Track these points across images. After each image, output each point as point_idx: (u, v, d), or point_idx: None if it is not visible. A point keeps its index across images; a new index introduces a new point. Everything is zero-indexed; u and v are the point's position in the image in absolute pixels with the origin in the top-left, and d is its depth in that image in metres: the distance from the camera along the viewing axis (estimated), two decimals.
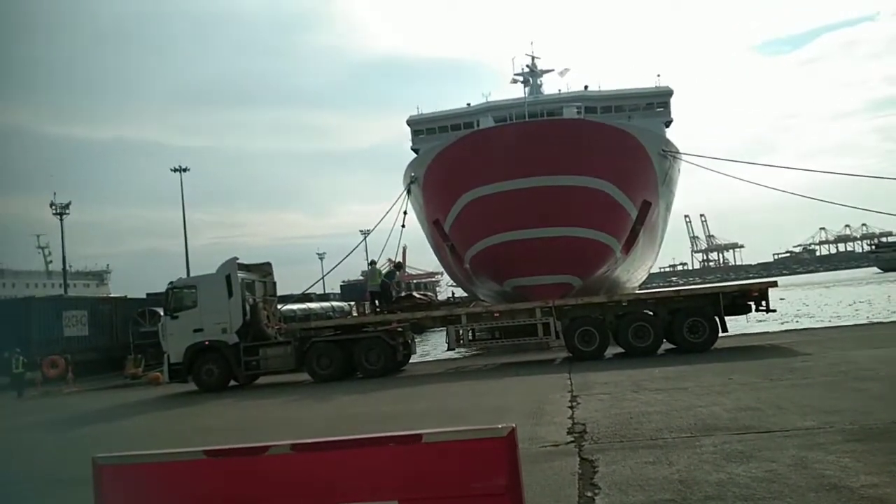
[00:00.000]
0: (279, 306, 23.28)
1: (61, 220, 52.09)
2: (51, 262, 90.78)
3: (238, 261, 18.99)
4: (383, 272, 23.97)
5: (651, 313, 17.19)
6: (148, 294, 34.67)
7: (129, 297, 36.56)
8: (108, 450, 2.77)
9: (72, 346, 27.28)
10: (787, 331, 20.95)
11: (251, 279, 19.43)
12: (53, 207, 52.34)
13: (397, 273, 24.96)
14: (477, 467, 1.65)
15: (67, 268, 58.64)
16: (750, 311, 17.61)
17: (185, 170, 51.95)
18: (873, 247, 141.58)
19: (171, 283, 19.22)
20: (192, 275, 28.82)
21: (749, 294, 17.43)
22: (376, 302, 22.01)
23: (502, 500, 1.53)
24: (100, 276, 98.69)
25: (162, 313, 19.80)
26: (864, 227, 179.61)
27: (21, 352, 22.60)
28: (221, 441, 2.43)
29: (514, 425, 1.69)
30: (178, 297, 18.84)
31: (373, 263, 24.09)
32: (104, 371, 27.98)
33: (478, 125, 35.19)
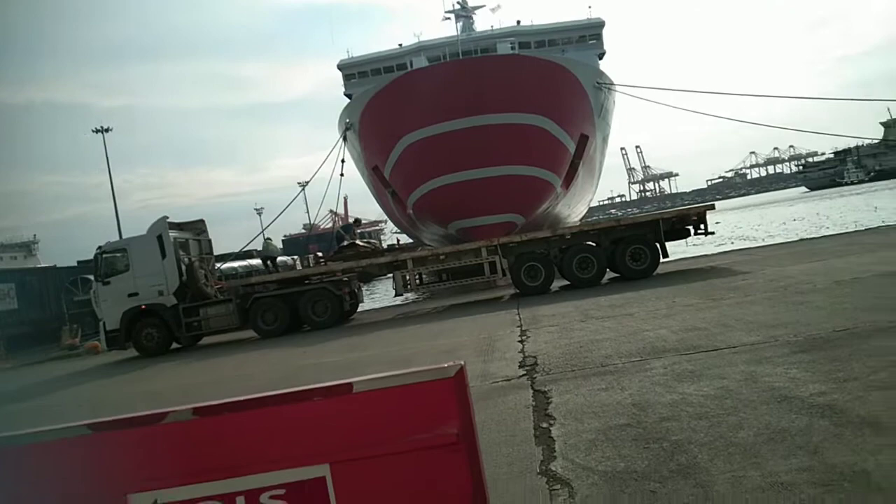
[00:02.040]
0: (219, 265, 22.62)
1: None
2: None
3: (169, 220, 18.17)
4: (275, 246, 25.96)
5: (594, 244, 17.33)
6: (79, 262, 33.23)
7: (59, 266, 34.95)
8: (43, 424, 2.44)
9: (1, 320, 25.99)
10: (724, 252, 21.52)
11: (184, 238, 18.67)
12: None
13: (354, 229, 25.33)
14: (422, 415, 1.41)
15: None
16: (689, 235, 17.93)
17: (107, 130, 49.35)
18: (801, 167, 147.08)
19: (99, 247, 18.31)
20: (124, 237, 27.65)
21: (688, 218, 17.72)
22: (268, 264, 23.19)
23: (455, 449, 1.30)
24: (27, 247, 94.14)
25: (93, 280, 18.89)
26: (792, 149, 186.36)
27: None
28: (171, 405, 2.11)
29: (462, 363, 1.44)
30: (108, 262, 17.99)
31: (267, 239, 25.27)
32: (39, 344, 26.84)
33: (411, 66, 34.28)
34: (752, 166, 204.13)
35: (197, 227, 19.55)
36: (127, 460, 1.89)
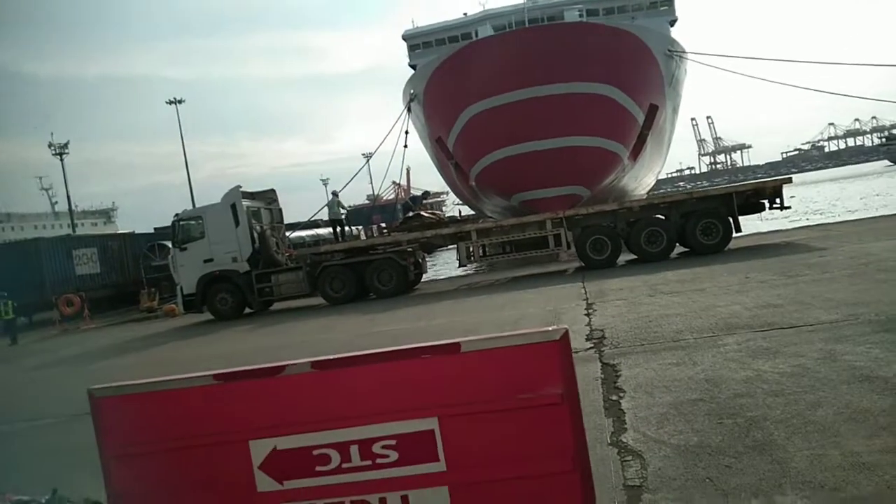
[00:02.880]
0: (288, 234, 23.26)
1: (61, 160, 51.71)
2: (56, 203, 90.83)
3: (241, 189, 18.74)
4: (343, 204, 25.51)
5: (663, 217, 16.97)
6: (156, 228, 34.68)
7: (136, 232, 36.57)
8: (131, 380, 2.64)
9: (85, 283, 27.46)
10: (800, 228, 20.75)
11: (256, 206, 19.24)
12: (52, 148, 51.86)
13: (422, 200, 25.57)
14: (526, 375, 1.47)
15: (73, 207, 58.62)
16: (763, 209, 17.34)
17: (180, 101, 51.08)
18: (884, 139, 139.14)
19: (176, 215, 19.07)
20: (196, 206, 28.68)
21: (763, 192, 17.12)
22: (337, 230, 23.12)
23: (559, 409, 1.36)
24: (106, 214, 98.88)
25: (171, 246, 19.73)
26: (874, 121, 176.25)
27: (8, 295, 21.22)
28: (245, 365, 2.27)
29: (566, 327, 1.49)
30: (185, 229, 18.73)
31: (334, 194, 24.79)
32: (119, 306, 28.31)
33: (476, 35, 33.94)
34: (830, 139, 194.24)
35: (268, 197, 20.10)
36: (248, 409, 2.04)
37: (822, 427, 4.33)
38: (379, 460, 1.92)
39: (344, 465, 1.98)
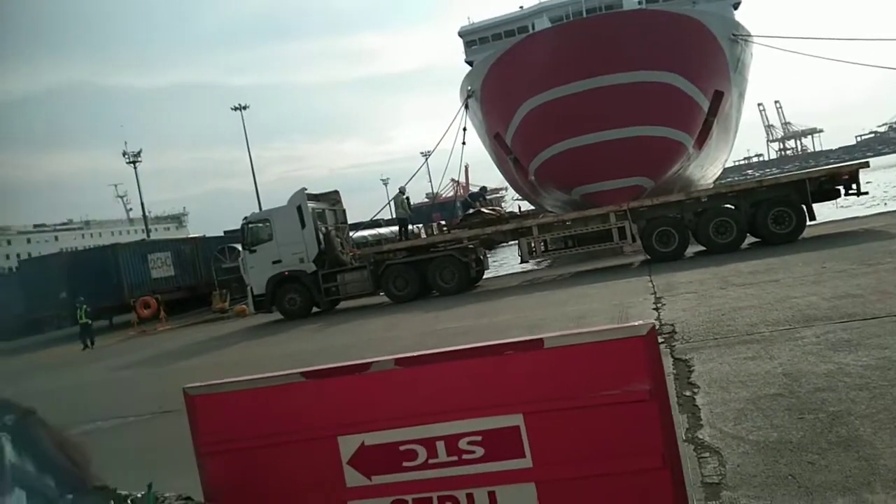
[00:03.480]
0: (351, 233, 23.64)
1: (135, 168, 53.97)
2: (131, 209, 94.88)
3: (306, 191, 19.17)
4: (408, 200, 25.19)
5: (732, 207, 16.47)
6: (225, 231, 35.86)
7: (207, 235, 37.85)
8: (211, 380, 2.76)
9: (160, 286, 28.65)
10: (878, 214, 19.77)
11: (321, 208, 19.64)
12: (126, 156, 54.19)
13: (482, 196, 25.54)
14: (612, 371, 1.47)
15: (147, 213, 61.12)
16: (839, 195, 16.62)
17: (244, 107, 52.57)
18: None
19: (245, 218, 19.66)
20: (263, 209, 29.46)
21: (838, 178, 16.41)
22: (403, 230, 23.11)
23: (648, 406, 1.36)
24: (178, 219, 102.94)
25: (240, 248, 20.35)
26: None
27: (84, 301, 21.75)
28: (317, 364, 2.35)
29: (653, 322, 1.49)
30: (253, 232, 19.29)
31: (401, 191, 24.59)
32: (192, 308, 29.40)
33: (533, 28, 33.65)
34: None
35: (332, 198, 20.49)
36: (336, 405, 2.11)
37: None
38: (465, 456, 1.95)
39: (430, 461, 2.02)
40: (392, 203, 26.23)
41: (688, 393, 5.59)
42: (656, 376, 1.45)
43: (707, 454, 4.30)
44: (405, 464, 2.05)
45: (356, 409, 2.07)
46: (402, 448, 2.03)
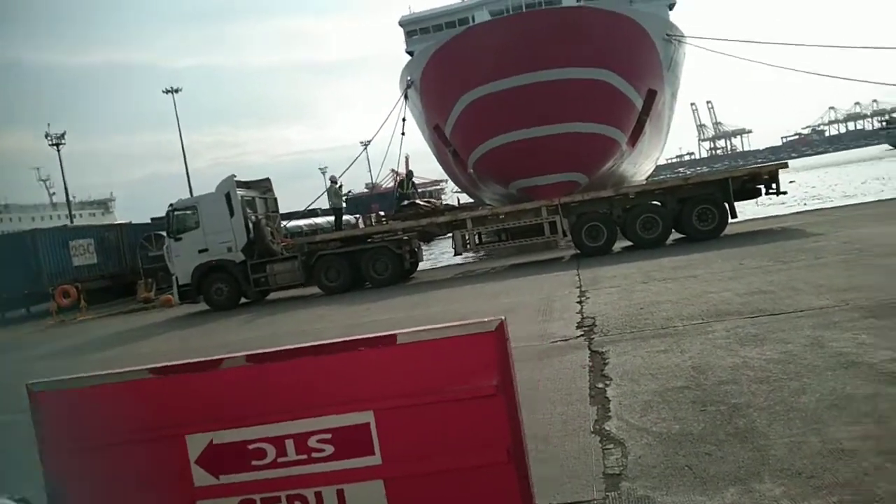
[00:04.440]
0: (285, 223, 23.20)
1: (58, 150, 51.63)
2: (54, 193, 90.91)
3: (236, 178, 18.67)
4: (343, 191, 25.17)
5: (659, 204, 16.90)
6: (152, 219, 34.59)
7: (133, 222, 36.51)
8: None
9: (81, 274, 27.44)
10: (797, 213, 20.66)
11: (251, 196, 19.17)
12: (49, 138, 51.74)
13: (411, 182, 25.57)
14: (462, 367, 1.43)
15: (71, 198, 58.58)
16: (760, 194, 17.25)
17: (177, 90, 51.02)
18: (884, 123, 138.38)
19: (171, 205, 19.00)
20: (196, 195, 28.61)
21: (759, 177, 17.03)
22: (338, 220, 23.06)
23: (495, 400, 1.32)
24: (104, 205, 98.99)
25: (166, 236, 19.68)
26: (875, 104, 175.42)
27: None
28: None
29: (502, 318, 1.45)
30: (179, 219, 18.67)
31: (333, 181, 24.49)
32: (116, 297, 28.28)
33: (473, 21, 33.73)
34: (830, 122, 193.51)
35: (263, 186, 20.03)
36: (186, 403, 2.00)
37: (804, 414, 4.31)
38: (314, 454, 1.88)
39: (279, 460, 1.94)
40: (326, 193, 25.96)
41: (600, 385, 5.68)
42: (504, 372, 1.42)
43: (611, 445, 4.37)
44: (254, 462, 1.96)
45: (206, 406, 1.98)
46: (250, 447, 1.95)
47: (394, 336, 1.48)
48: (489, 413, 1.39)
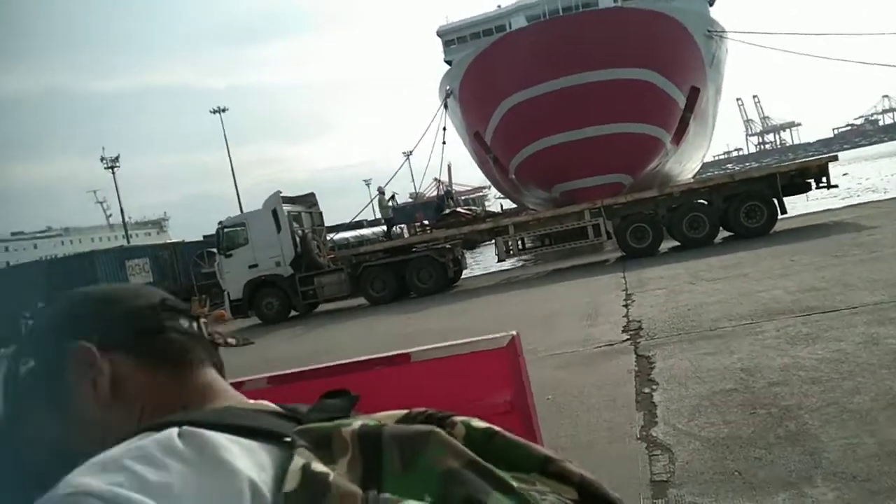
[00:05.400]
0: (332, 236, 23.57)
1: (113, 173, 53.49)
2: (110, 215, 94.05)
3: (282, 194, 19.05)
4: (391, 199, 25.36)
5: (705, 202, 16.59)
6: (204, 236, 35.48)
7: (186, 240, 37.53)
8: None
9: None
10: (851, 206, 19.98)
11: (297, 211, 19.54)
12: (104, 162, 53.67)
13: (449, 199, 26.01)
14: (476, 384, 1.45)
15: (127, 219, 60.55)
16: (810, 189, 16.78)
17: (223, 110, 52.21)
18: None
19: (220, 222, 19.52)
20: (244, 212, 29.29)
21: (808, 171, 16.57)
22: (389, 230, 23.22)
23: (510, 417, 1.33)
24: (158, 224, 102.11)
25: (216, 253, 20.20)
26: None
27: (31, 316, 19.81)
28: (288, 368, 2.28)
29: (514, 333, 1.47)
30: (229, 236, 19.15)
31: (381, 192, 24.64)
32: None
33: (510, 27, 33.72)
34: (884, 111, 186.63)
35: (308, 201, 20.40)
36: None
37: (859, 415, 4.17)
38: None
39: None
40: (377, 204, 26.26)
41: (646, 390, 5.60)
42: (517, 388, 1.43)
43: (658, 452, 4.30)
44: None
45: None
46: None
47: (408, 355, 1.50)
48: (504, 428, 1.39)
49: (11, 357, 0.91)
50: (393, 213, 25.89)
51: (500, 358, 1.41)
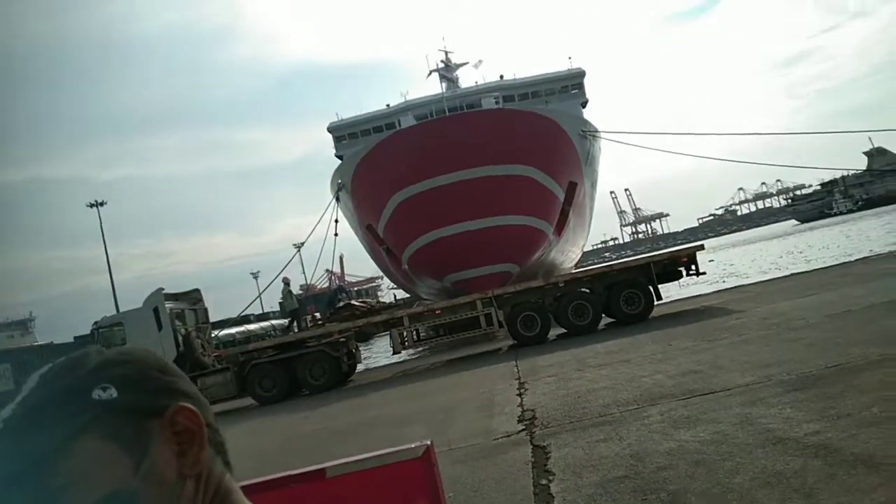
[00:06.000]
0: (217, 332, 22.62)
1: None
2: None
3: (164, 291, 18.25)
4: (293, 293, 25.07)
5: (588, 291, 17.41)
6: (76, 337, 33.10)
7: (55, 343, 34.79)
8: None
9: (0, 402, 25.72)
10: (719, 291, 21.61)
11: (180, 308, 18.72)
12: None
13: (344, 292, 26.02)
14: (392, 495, 1.47)
15: None
16: (681, 276, 18.04)
17: (101, 204, 49.85)
18: (789, 200, 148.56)
19: (95, 322, 18.35)
20: (121, 310, 27.65)
21: (679, 260, 17.85)
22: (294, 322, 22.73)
23: None
24: (24, 326, 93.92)
25: None
26: (779, 183, 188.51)
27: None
28: None
29: (428, 442, 1.52)
30: (105, 337, 17.95)
31: (286, 283, 24.40)
32: None
33: (399, 125, 34.94)
34: (741, 202, 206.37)
35: (192, 297, 19.63)
36: None
37: (739, 495, 4.41)
38: None
39: None
40: (281, 296, 25.72)
41: (544, 481, 5.67)
42: (434, 497, 1.47)
43: None
44: None
45: None
46: None
47: (323, 470, 1.51)
48: None
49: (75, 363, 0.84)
50: (297, 305, 25.35)
51: (416, 468, 1.44)
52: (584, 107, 39.28)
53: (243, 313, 29.77)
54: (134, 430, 0.78)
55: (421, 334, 20.39)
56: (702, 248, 18.47)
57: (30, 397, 0.81)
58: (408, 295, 42.18)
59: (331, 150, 39.69)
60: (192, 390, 0.89)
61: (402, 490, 1.47)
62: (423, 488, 1.46)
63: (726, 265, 41.45)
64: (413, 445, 1.49)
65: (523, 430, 7.69)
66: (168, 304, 17.93)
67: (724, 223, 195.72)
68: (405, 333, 18.42)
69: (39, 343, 41.06)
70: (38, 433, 0.76)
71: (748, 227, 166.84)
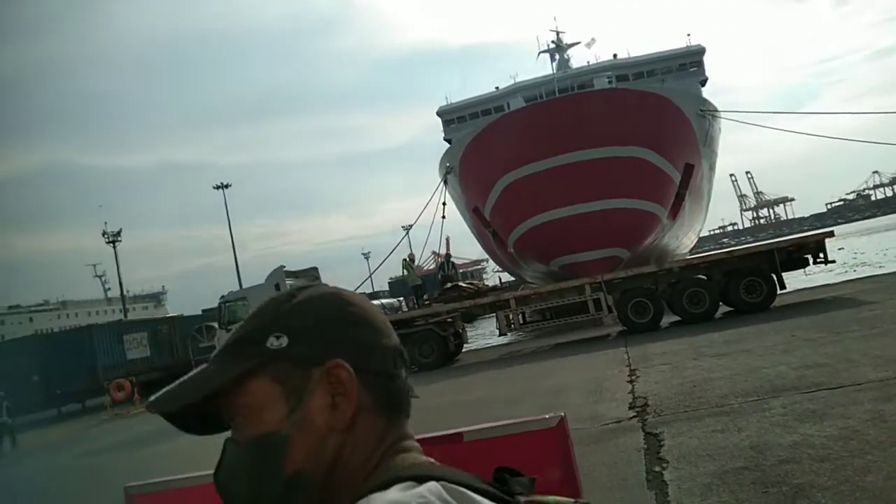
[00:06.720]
0: None
1: (114, 247, 53.82)
2: (109, 289, 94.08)
3: (285, 268, 19.24)
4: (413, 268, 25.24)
5: (705, 277, 16.75)
6: (203, 310, 35.48)
7: (185, 315, 37.47)
8: (181, 466, 2.72)
9: (135, 367, 28.09)
10: (848, 281, 20.18)
11: (300, 285, 19.65)
12: (106, 236, 54.11)
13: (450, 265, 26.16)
14: (526, 463, 1.53)
15: (125, 293, 60.51)
16: (808, 264, 16.99)
17: (226, 186, 53.14)
18: None
19: (222, 297, 19.64)
20: (244, 286, 29.40)
21: (805, 247, 16.82)
22: (423, 296, 22.89)
23: (558, 494, 1.41)
24: (157, 298, 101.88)
25: (217, 327, 20.20)
26: None
27: (5, 396, 18.61)
28: None
29: (562, 414, 1.57)
30: (230, 311, 19.21)
31: (411, 259, 24.70)
32: None
33: (508, 107, 34.79)
34: (875, 186, 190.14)
35: (311, 274, 20.57)
36: None
37: (872, 494, 4.19)
38: None
39: None
40: (405, 271, 26.32)
41: (657, 468, 5.59)
42: (566, 467, 1.52)
43: None
44: None
45: None
46: None
47: (461, 434, 1.59)
48: None
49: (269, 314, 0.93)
50: (420, 281, 25.67)
51: (550, 438, 1.50)
52: (703, 85, 37.53)
53: (358, 289, 30.81)
54: (297, 378, 0.86)
55: (527, 317, 20.36)
56: (831, 234, 17.31)
57: (240, 328, 0.96)
58: (513, 278, 42.17)
59: (438, 133, 40.13)
60: (368, 339, 0.92)
61: (535, 458, 1.53)
62: (556, 457, 1.51)
63: (857, 254, 38.56)
64: (547, 416, 1.55)
65: (635, 416, 7.59)
66: (288, 281, 18.88)
67: (856, 209, 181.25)
68: (511, 316, 18.48)
69: (171, 315, 44.35)
70: (226, 365, 0.90)
71: (884, 213, 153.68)
